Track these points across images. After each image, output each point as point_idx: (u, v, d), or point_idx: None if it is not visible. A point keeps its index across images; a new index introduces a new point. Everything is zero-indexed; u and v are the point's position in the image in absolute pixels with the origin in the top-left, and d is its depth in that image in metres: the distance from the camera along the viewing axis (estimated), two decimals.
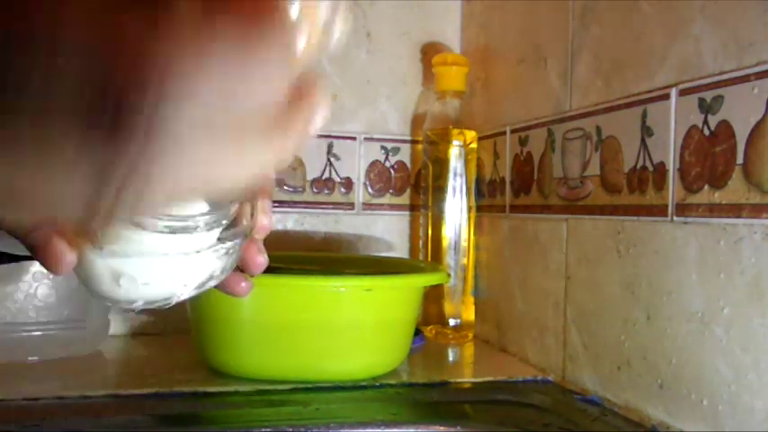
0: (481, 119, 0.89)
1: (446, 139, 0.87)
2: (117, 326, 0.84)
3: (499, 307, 0.83)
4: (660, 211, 0.56)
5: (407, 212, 0.97)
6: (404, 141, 0.97)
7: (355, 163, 0.95)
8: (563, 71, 0.70)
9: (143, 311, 0.84)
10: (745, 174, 0.47)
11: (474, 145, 0.88)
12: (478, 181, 0.89)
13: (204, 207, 0.28)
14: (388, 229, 0.96)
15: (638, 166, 0.58)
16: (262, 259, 0.33)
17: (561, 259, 0.70)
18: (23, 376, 0.67)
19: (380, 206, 0.96)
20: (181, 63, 0.15)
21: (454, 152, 0.86)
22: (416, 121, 0.96)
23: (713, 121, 0.50)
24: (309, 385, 0.65)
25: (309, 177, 0.93)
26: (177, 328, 0.84)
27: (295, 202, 0.93)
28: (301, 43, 0.18)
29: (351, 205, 0.95)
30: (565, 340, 0.69)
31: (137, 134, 0.15)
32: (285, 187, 0.92)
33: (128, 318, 0.85)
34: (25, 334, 0.71)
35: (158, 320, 0.86)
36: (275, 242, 0.87)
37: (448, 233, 0.87)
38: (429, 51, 0.96)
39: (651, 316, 0.57)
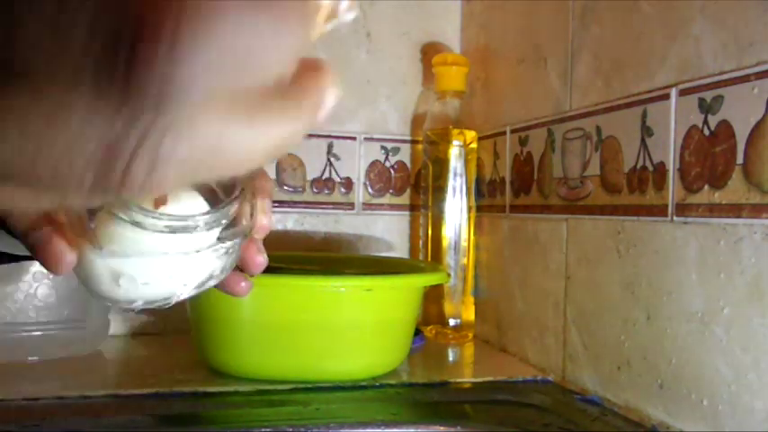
0: (481, 119, 0.89)
1: (446, 139, 0.87)
2: (117, 326, 0.84)
3: (499, 307, 0.83)
4: (660, 211, 0.56)
5: (407, 212, 0.97)
6: (404, 141, 0.97)
7: (355, 163, 0.95)
8: (563, 71, 0.70)
9: (143, 311, 0.84)
10: (745, 174, 0.47)
11: (474, 145, 0.88)
12: (478, 181, 0.89)
13: (204, 207, 0.28)
14: (388, 229, 0.96)
15: (638, 166, 0.58)
16: (261, 259, 0.33)
17: (561, 259, 0.70)
18: (23, 376, 0.67)
19: (380, 206, 0.96)
20: (196, 7, 0.14)
21: (454, 152, 0.86)
22: (416, 121, 0.96)
23: (713, 121, 0.50)
24: (309, 385, 0.65)
25: (309, 177, 0.93)
26: (177, 328, 0.84)
27: (295, 202, 0.93)
28: (318, 12, 0.18)
29: (351, 205, 0.95)
30: (565, 340, 0.69)
31: (149, 95, 0.15)
32: (285, 187, 0.92)
33: (128, 318, 0.85)
34: (25, 334, 0.71)
35: (158, 320, 0.86)
36: (275, 242, 0.87)
37: (448, 233, 0.87)
38: (429, 51, 0.96)
39: (651, 316, 0.57)
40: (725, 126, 0.49)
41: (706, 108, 0.51)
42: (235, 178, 0.29)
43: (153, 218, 0.26)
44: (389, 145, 0.96)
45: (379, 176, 0.96)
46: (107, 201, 0.18)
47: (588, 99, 0.66)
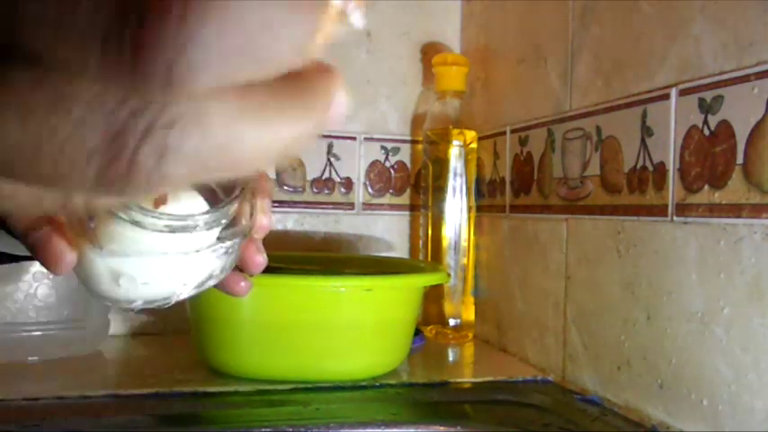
0: (481, 119, 0.89)
1: (446, 139, 0.87)
2: (117, 326, 0.84)
3: (499, 307, 0.83)
4: (660, 211, 0.56)
5: (407, 212, 0.97)
6: (404, 141, 0.97)
7: (355, 163, 0.95)
8: (563, 71, 0.70)
9: (143, 311, 0.84)
10: (745, 174, 0.47)
11: (474, 145, 0.88)
12: (478, 181, 0.89)
13: (204, 206, 0.28)
14: (388, 229, 0.96)
15: (638, 166, 0.58)
16: (261, 259, 0.33)
17: (561, 259, 0.70)
18: (23, 376, 0.67)
19: (380, 206, 0.96)
20: None
21: (454, 152, 0.86)
22: (416, 121, 0.96)
23: (713, 121, 0.50)
24: (309, 385, 0.65)
25: (309, 177, 0.93)
26: (177, 328, 0.84)
27: (295, 202, 0.93)
28: (328, 10, 0.18)
29: (351, 205, 0.95)
30: (565, 340, 0.69)
31: (157, 78, 0.14)
32: (285, 187, 0.92)
33: (128, 318, 0.85)
34: (25, 334, 0.71)
35: (158, 320, 0.86)
36: (275, 242, 0.87)
37: (448, 233, 0.87)
38: (429, 51, 0.96)
39: (651, 316, 0.57)
40: (725, 126, 0.49)
41: (706, 108, 0.51)
42: (235, 178, 0.29)
43: (153, 217, 0.26)
44: (389, 145, 0.96)
45: (379, 176, 0.96)
46: (111, 197, 0.17)
47: (588, 99, 0.66)
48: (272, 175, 0.91)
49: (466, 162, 0.87)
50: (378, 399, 0.63)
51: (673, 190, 0.54)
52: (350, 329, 0.66)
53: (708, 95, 0.51)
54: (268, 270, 0.34)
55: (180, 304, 0.30)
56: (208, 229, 0.28)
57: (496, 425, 0.57)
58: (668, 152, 0.55)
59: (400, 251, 0.96)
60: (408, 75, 0.97)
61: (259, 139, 0.17)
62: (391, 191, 0.96)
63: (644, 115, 0.58)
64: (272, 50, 0.16)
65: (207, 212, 0.28)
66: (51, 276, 0.71)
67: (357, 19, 0.19)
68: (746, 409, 0.47)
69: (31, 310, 0.71)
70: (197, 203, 0.28)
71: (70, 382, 0.64)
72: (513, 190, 0.81)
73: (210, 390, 0.63)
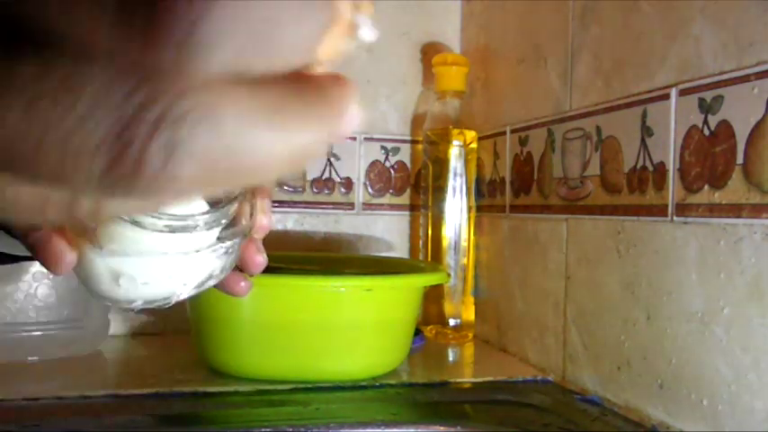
0: (481, 119, 0.89)
1: (446, 139, 0.87)
2: (117, 326, 0.84)
3: (499, 307, 0.83)
4: (660, 211, 0.56)
5: (407, 212, 0.97)
6: (404, 141, 0.97)
7: (355, 163, 0.95)
8: (563, 71, 0.70)
9: (143, 311, 0.84)
10: (745, 174, 0.47)
11: (474, 145, 0.88)
12: (478, 181, 0.89)
13: (203, 206, 0.28)
14: (388, 229, 0.96)
15: (638, 166, 0.58)
16: (261, 259, 0.33)
17: (561, 259, 0.70)
18: (23, 376, 0.67)
19: (380, 206, 0.96)
20: None
21: (454, 152, 0.86)
22: (416, 121, 0.96)
23: (713, 121, 0.50)
24: (309, 385, 0.65)
25: (309, 177, 0.93)
26: (177, 328, 0.84)
27: (295, 202, 0.93)
28: (339, 14, 0.17)
29: (351, 205, 0.95)
30: (565, 340, 0.69)
31: (167, 61, 0.14)
32: (285, 187, 0.92)
33: (128, 318, 0.85)
34: (25, 334, 0.71)
35: (158, 320, 0.86)
36: (275, 242, 0.87)
37: (448, 233, 0.87)
38: (429, 51, 0.96)
39: (651, 316, 0.57)
40: (725, 126, 0.49)
41: (706, 108, 0.51)
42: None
43: (152, 217, 0.26)
44: (389, 145, 0.96)
45: (379, 176, 0.96)
46: (117, 200, 0.17)
47: (588, 99, 0.66)
48: None
49: (466, 162, 0.87)
50: (378, 399, 0.63)
51: (673, 190, 0.54)
52: (350, 329, 0.66)
53: (708, 95, 0.51)
54: (268, 270, 0.34)
55: (180, 304, 0.30)
56: (208, 230, 0.28)
57: (496, 425, 0.57)
58: (668, 152, 0.55)
59: (400, 251, 0.96)
60: (408, 75, 0.97)
61: (272, 142, 0.16)
62: (391, 191, 0.96)
63: (644, 115, 0.58)
64: (284, 41, 0.16)
65: (207, 212, 0.28)
66: (51, 276, 0.71)
67: (367, 33, 0.19)
68: (746, 409, 0.47)
69: (31, 310, 0.71)
70: (197, 203, 0.28)
71: (70, 382, 0.64)
72: (513, 190, 0.81)
73: (210, 390, 0.63)
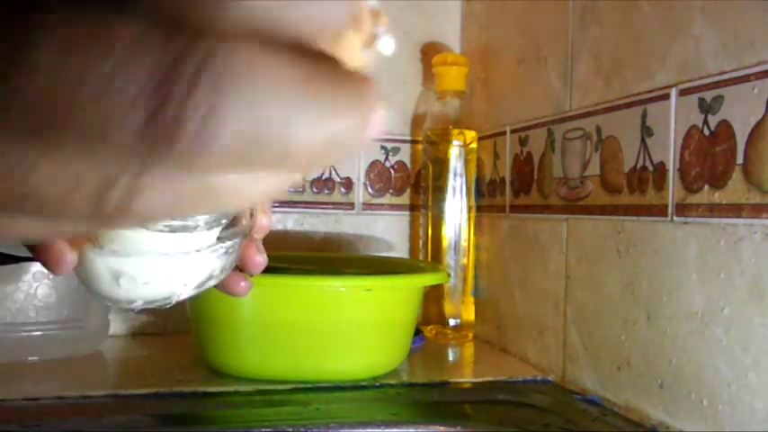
0: (481, 119, 0.89)
1: (446, 139, 0.87)
2: (117, 326, 0.84)
3: (499, 307, 0.83)
4: (660, 211, 0.56)
5: (407, 212, 0.97)
6: (404, 141, 0.97)
7: (355, 163, 0.95)
8: (563, 71, 0.70)
9: (143, 311, 0.84)
10: (745, 174, 0.47)
11: (474, 145, 0.88)
12: (478, 181, 0.89)
13: None
14: (388, 229, 0.96)
15: (638, 166, 0.58)
16: (261, 259, 0.33)
17: (561, 259, 0.70)
18: (23, 376, 0.67)
19: (380, 206, 0.96)
20: None
21: (454, 152, 0.86)
22: (416, 121, 0.96)
23: (713, 121, 0.50)
24: (309, 385, 0.65)
25: (309, 177, 0.93)
26: (177, 328, 0.84)
27: (295, 202, 0.93)
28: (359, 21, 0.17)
29: (351, 205, 0.95)
30: (565, 340, 0.69)
31: (202, 21, 0.13)
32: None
33: (128, 318, 0.85)
34: (25, 334, 0.71)
35: (158, 320, 0.86)
36: (275, 242, 0.87)
37: (448, 233, 0.87)
38: (429, 51, 0.96)
39: (651, 316, 0.57)
40: (725, 126, 0.49)
41: (706, 108, 0.51)
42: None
43: None
44: (389, 145, 0.96)
45: (379, 176, 0.96)
46: (153, 165, 0.15)
47: (588, 99, 0.66)
48: None
49: (466, 162, 0.87)
50: (378, 399, 0.63)
51: (673, 190, 0.54)
52: (350, 329, 0.66)
53: (708, 95, 0.51)
54: (268, 270, 0.34)
55: (180, 304, 0.30)
56: (208, 229, 0.28)
57: (496, 425, 0.57)
58: (668, 152, 0.55)
59: (400, 251, 0.96)
60: (408, 75, 0.97)
61: (311, 122, 0.15)
62: (391, 191, 0.96)
63: (644, 115, 0.58)
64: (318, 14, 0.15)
65: (207, 212, 0.28)
66: (51, 276, 0.71)
67: (387, 45, 0.18)
68: (746, 409, 0.47)
69: (31, 310, 0.71)
70: None
71: (70, 382, 0.64)
72: (513, 190, 0.81)
73: (210, 390, 0.63)
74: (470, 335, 0.87)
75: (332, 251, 0.94)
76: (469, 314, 0.87)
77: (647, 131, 0.57)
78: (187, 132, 0.14)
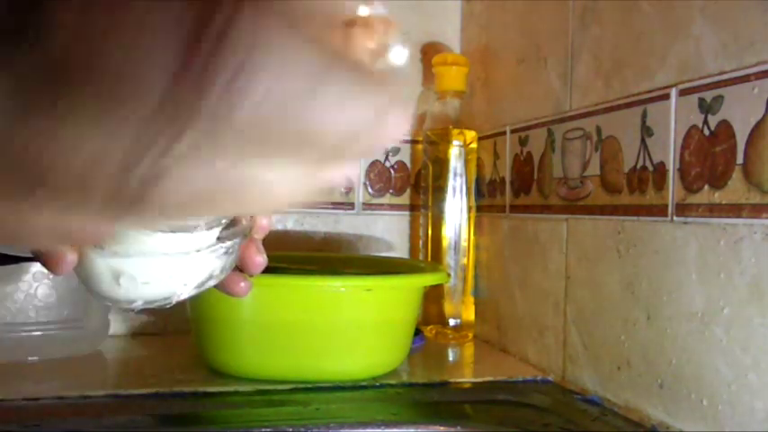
0: (481, 119, 0.89)
1: (446, 139, 0.87)
2: (117, 326, 0.84)
3: (499, 307, 0.83)
4: (660, 211, 0.56)
5: (407, 212, 0.97)
6: (404, 141, 0.97)
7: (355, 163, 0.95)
8: (563, 71, 0.70)
9: (143, 311, 0.84)
10: (745, 174, 0.47)
11: (474, 145, 0.88)
12: (478, 181, 0.89)
13: None
14: (388, 229, 0.96)
15: (638, 166, 0.58)
16: (261, 259, 0.33)
17: (561, 259, 0.70)
18: (23, 376, 0.67)
19: (380, 206, 0.96)
20: None
21: (454, 152, 0.86)
22: (416, 122, 0.96)
23: (713, 121, 0.50)
24: (309, 385, 0.65)
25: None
26: (177, 328, 0.84)
27: None
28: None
29: (351, 205, 0.95)
30: (565, 340, 0.69)
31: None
32: None
33: (128, 318, 0.85)
34: (25, 334, 0.71)
35: (158, 320, 0.86)
36: (275, 242, 0.87)
37: (448, 233, 0.87)
38: (429, 51, 0.96)
39: (651, 316, 0.57)
40: (725, 126, 0.49)
41: (706, 108, 0.51)
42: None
43: None
44: (389, 145, 0.96)
45: (379, 176, 0.96)
46: (179, 128, 0.14)
47: (588, 99, 0.66)
48: None
49: (466, 162, 0.87)
50: (378, 399, 0.63)
51: (673, 190, 0.54)
52: (350, 329, 0.66)
53: (708, 95, 0.51)
54: (268, 270, 0.34)
55: (180, 304, 0.30)
56: (208, 229, 0.28)
57: (496, 425, 0.57)
58: (668, 152, 0.55)
59: (400, 251, 0.96)
60: (408, 75, 0.97)
61: (330, 105, 0.15)
62: (391, 191, 0.96)
63: (644, 115, 0.58)
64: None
65: None
66: (51, 276, 0.71)
67: (398, 55, 0.18)
68: (746, 409, 0.47)
69: (31, 310, 0.71)
70: None
71: (70, 382, 0.64)
72: (513, 190, 0.81)
73: (210, 390, 0.63)
74: (470, 335, 0.87)
75: (332, 251, 0.94)
76: (469, 314, 0.87)
77: (647, 131, 0.57)
78: (216, 88, 0.13)
